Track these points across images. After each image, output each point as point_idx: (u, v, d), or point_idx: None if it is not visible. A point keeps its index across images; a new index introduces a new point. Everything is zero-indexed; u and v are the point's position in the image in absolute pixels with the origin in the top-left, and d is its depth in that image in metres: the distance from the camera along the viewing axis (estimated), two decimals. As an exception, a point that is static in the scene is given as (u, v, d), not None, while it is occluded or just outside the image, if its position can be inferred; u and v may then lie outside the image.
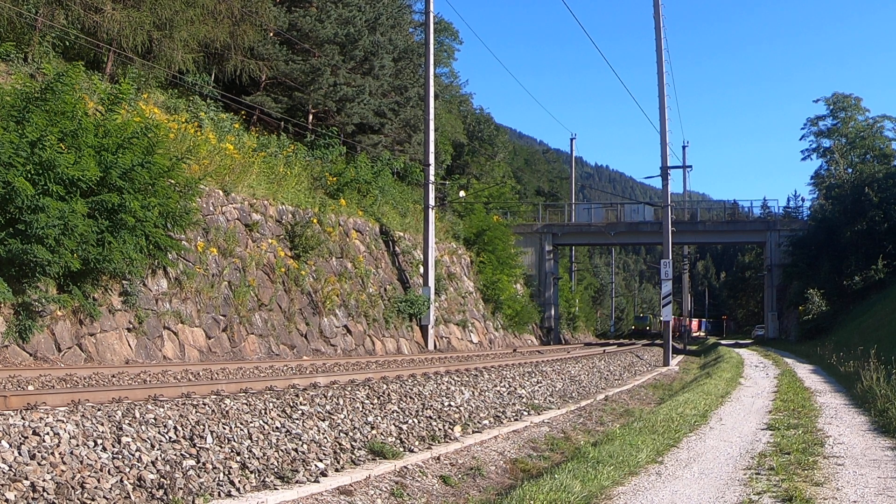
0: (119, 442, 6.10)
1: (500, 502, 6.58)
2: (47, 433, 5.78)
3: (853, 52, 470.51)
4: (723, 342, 61.50)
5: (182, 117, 20.78)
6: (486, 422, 10.96)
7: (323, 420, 8.29)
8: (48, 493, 5.21)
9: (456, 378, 12.89)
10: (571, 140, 66.00)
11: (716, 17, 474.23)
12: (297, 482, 6.65)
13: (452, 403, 11.04)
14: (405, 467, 7.93)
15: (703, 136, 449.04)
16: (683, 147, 63.06)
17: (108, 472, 5.70)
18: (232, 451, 6.73)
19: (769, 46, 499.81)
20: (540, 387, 15.00)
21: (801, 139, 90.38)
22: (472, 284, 35.99)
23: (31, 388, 9.21)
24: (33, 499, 5.13)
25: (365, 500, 6.84)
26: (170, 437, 6.51)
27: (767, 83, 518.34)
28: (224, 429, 7.05)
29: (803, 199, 78.17)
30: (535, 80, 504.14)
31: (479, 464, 8.83)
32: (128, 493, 5.57)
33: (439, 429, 9.69)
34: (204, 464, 6.33)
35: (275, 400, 8.32)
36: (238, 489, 6.17)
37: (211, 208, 18.06)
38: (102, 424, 6.22)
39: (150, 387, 8.45)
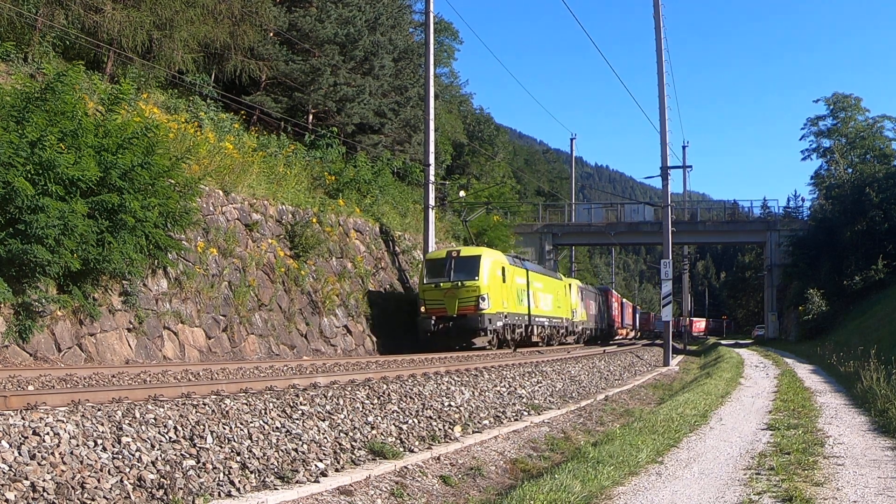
0: (119, 442, 6.09)
1: (501, 502, 6.58)
2: (47, 433, 5.77)
3: (853, 52, 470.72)
4: (723, 342, 61.58)
5: (182, 117, 20.76)
6: (486, 422, 10.95)
7: (323, 420, 8.28)
8: (48, 493, 5.21)
9: (456, 378, 12.88)
10: (571, 140, 65.97)
11: (717, 27, 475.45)
12: (297, 482, 6.65)
13: (452, 403, 11.04)
14: (405, 467, 7.92)
15: (703, 137, 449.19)
16: (683, 147, 62.97)
17: (108, 472, 5.70)
18: (232, 451, 6.73)
19: (769, 55, 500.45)
20: (540, 387, 14.99)
21: (801, 139, 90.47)
22: (472, 284, 35.91)
23: (31, 388, 9.21)
24: (33, 499, 5.12)
25: (365, 500, 6.84)
26: (170, 437, 6.50)
27: (768, 87, 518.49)
28: (224, 429, 7.04)
29: (803, 199, 78.23)
30: (535, 80, 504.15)
31: (479, 464, 8.83)
32: (128, 493, 5.57)
33: (439, 429, 9.68)
34: (204, 464, 6.33)
35: (275, 400, 8.32)
36: (238, 489, 6.17)
37: (211, 208, 18.06)
38: (102, 424, 6.22)
39: (150, 387, 8.44)
